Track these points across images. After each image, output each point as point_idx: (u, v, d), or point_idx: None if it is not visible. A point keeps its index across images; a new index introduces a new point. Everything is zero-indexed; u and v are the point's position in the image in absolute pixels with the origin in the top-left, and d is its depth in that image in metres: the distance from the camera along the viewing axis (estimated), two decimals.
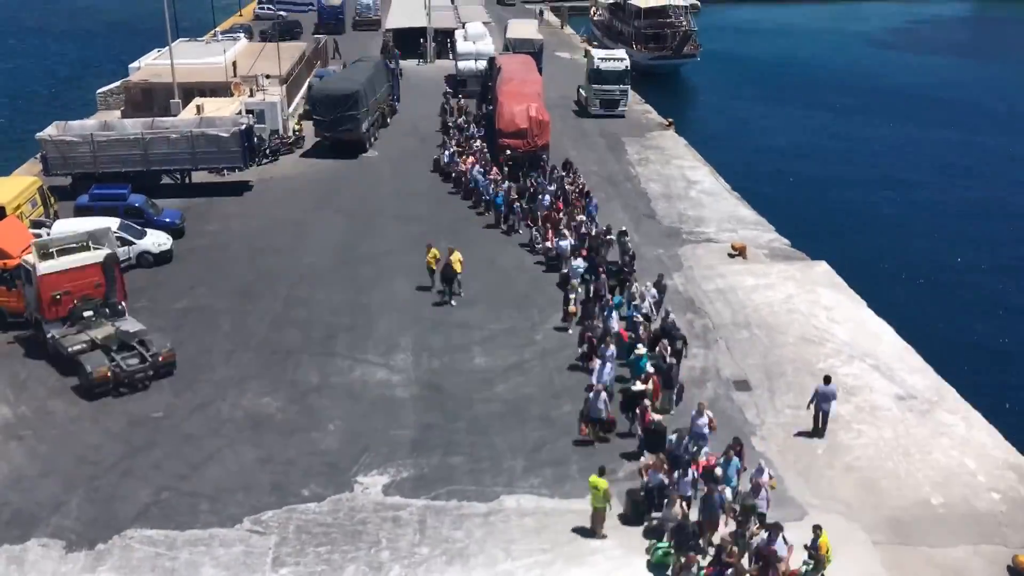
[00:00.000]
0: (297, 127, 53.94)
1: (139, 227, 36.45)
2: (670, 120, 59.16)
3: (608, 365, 25.76)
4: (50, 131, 42.57)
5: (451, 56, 71.26)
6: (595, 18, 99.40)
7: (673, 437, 22.85)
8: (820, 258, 37.08)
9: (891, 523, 21.25)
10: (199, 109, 48.47)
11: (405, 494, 22.31)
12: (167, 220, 38.59)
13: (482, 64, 65.27)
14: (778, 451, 23.98)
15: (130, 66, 60.42)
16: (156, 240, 36.33)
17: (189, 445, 24.24)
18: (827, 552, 18.88)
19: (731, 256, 37.23)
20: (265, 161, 48.66)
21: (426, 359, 29.06)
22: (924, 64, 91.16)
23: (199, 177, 44.93)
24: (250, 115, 48.01)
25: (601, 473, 20.82)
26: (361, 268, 35.99)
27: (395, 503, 21.95)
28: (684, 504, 20.49)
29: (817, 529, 19.18)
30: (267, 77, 54.63)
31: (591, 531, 20.85)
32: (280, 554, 20.13)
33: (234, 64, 56.60)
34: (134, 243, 35.28)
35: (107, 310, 28.82)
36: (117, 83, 59.52)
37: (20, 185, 37.07)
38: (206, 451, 23.98)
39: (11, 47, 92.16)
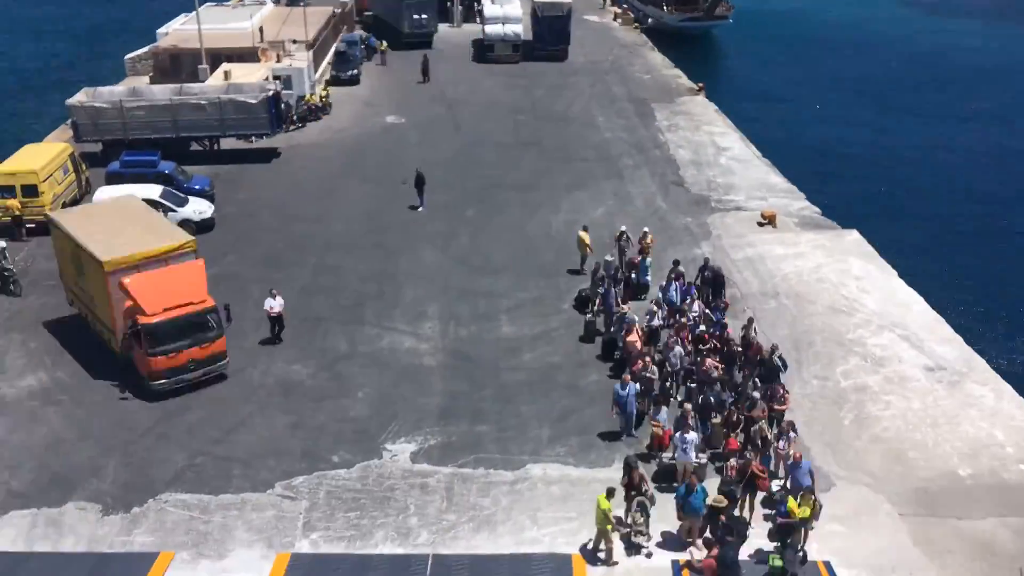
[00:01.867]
0: (324, 93, 53.88)
1: (181, 195, 36.71)
2: (700, 85, 58.40)
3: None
4: (80, 97, 42.89)
5: (478, 20, 70.63)
6: None
7: None
8: (851, 227, 36.72)
9: (918, 495, 21.24)
10: (227, 75, 48.57)
11: (433, 461, 22.60)
12: (196, 187, 38.86)
13: (511, 28, 64.76)
14: (804, 422, 23.90)
15: (158, 31, 60.49)
16: (197, 208, 36.56)
17: (221, 411, 24.65)
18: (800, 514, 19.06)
19: (760, 225, 36.94)
20: (292, 128, 48.71)
21: (453, 328, 29.23)
22: (967, 28, 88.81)
23: (228, 144, 45.14)
24: (277, 81, 48.04)
25: (609, 495, 19.14)
26: (388, 236, 36.13)
27: (423, 470, 22.24)
28: None
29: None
30: (294, 42, 54.53)
31: (594, 550, 19.49)
32: (311, 519, 20.52)
33: (261, 29, 56.51)
34: (175, 211, 35.53)
35: None
36: (145, 49, 59.63)
37: (52, 152, 37.45)
38: (238, 417, 24.38)
39: (39, 13, 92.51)
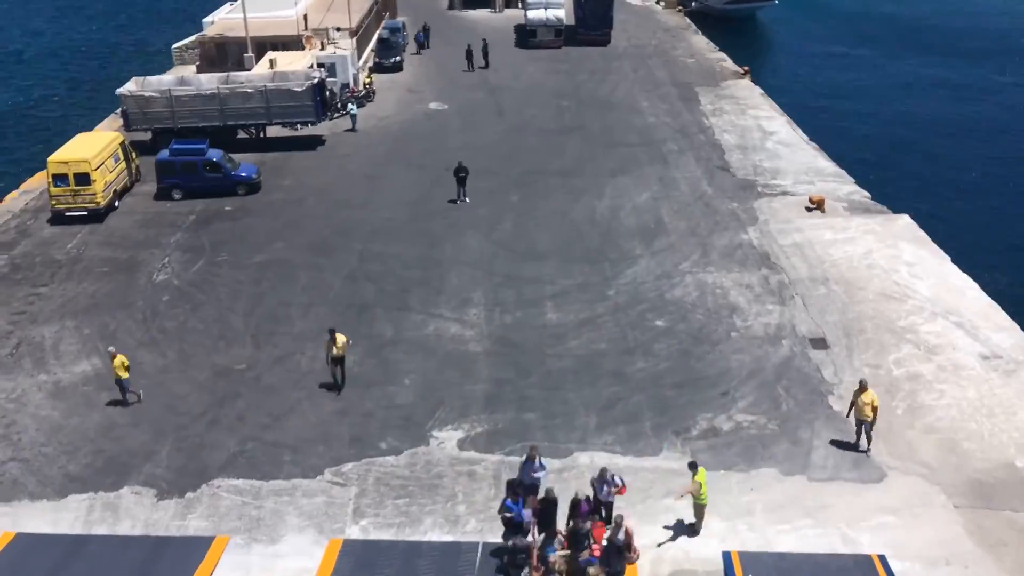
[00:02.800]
0: (368, 80, 54.07)
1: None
2: (746, 68, 57.56)
3: None
4: (129, 87, 43.51)
5: (520, 5, 70.33)
6: None
7: None
8: (902, 211, 36.00)
9: (973, 486, 20.82)
10: (272, 63, 48.93)
11: (480, 449, 22.66)
12: (243, 175, 39.31)
13: (553, 13, 64.37)
14: None
15: (204, 20, 61.15)
16: None
17: (271, 397, 24.96)
18: (703, 491, 19.17)
19: (808, 209, 36.37)
20: (336, 115, 48.96)
21: (498, 314, 29.24)
22: None
23: (273, 132, 45.53)
24: (322, 69, 48.30)
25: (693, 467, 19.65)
26: (433, 222, 36.21)
27: (470, 457, 22.32)
28: None
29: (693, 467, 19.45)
30: (338, 30, 54.74)
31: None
32: (360, 505, 20.71)
33: (305, 17, 56.78)
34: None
35: None
36: (192, 38, 60.29)
37: (103, 140, 38.07)
38: (287, 403, 24.67)
39: (86, 2, 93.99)
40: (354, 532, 19.79)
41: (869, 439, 21.81)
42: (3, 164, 50.86)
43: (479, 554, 17.79)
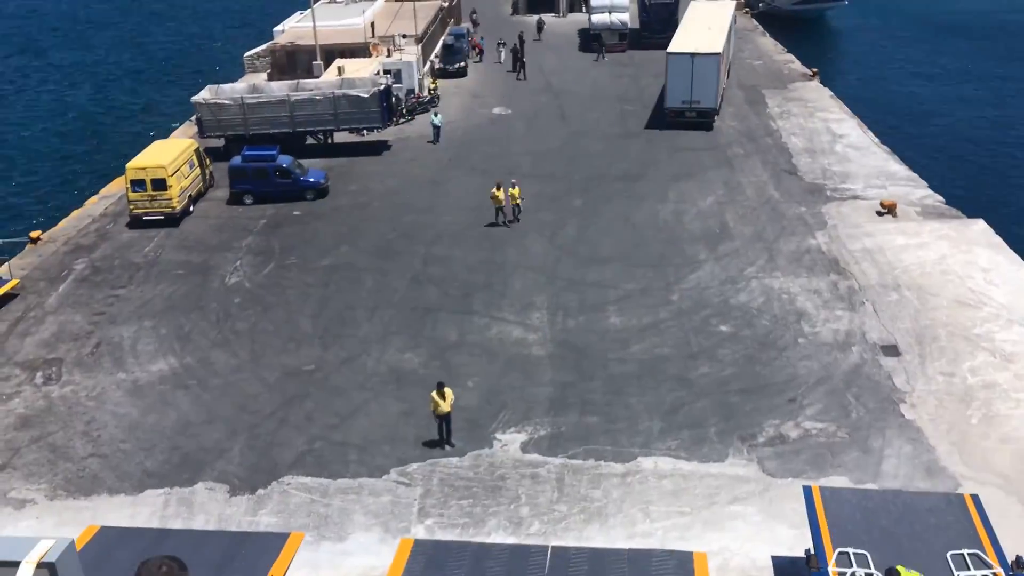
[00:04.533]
0: (433, 85, 54.68)
1: None
2: (814, 70, 56.66)
3: None
4: (204, 94, 44.75)
5: (584, 9, 70.32)
6: None
7: None
8: (977, 216, 35.03)
9: None
10: (340, 71, 49.82)
11: (543, 452, 22.76)
12: (312, 180, 40.13)
13: (618, 16, 64.23)
14: (929, 419, 23.08)
15: (275, 29, 62.57)
16: None
17: (338, 397, 25.43)
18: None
19: (879, 214, 35.65)
20: (402, 120, 49.64)
21: (561, 318, 29.32)
22: None
23: (340, 137, 46.35)
24: (388, 75, 49.01)
25: None
26: (495, 227, 36.43)
27: (533, 460, 22.43)
28: None
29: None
30: (403, 36, 55.51)
31: None
32: (425, 505, 20.98)
33: (372, 25, 57.72)
34: None
35: None
36: (263, 46, 61.76)
37: (180, 147, 39.25)
38: (354, 403, 25.11)
39: (161, 11, 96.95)
40: (419, 531, 20.05)
41: None
42: (84, 170, 52.77)
43: (548, 557, 17.87)
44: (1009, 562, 15.28)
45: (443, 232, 36.26)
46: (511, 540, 19.68)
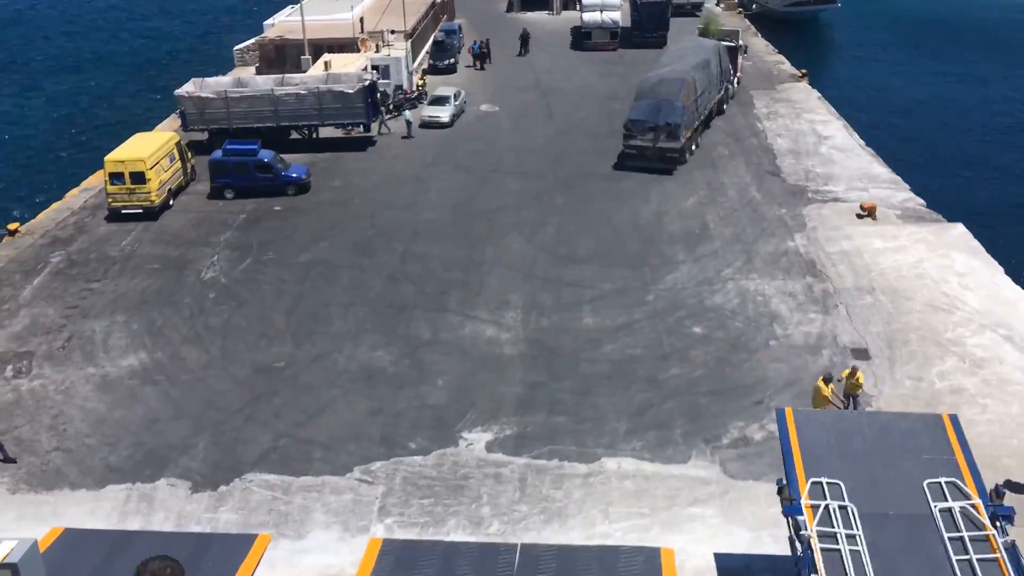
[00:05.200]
0: (420, 82, 54.58)
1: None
2: (804, 71, 56.61)
3: None
4: (188, 88, 44.67)
5: (578, 7, 70.19)
6: None
7: None
8: (958, 220, 35.00)
9: (1011, 503, 20.10)
10: (327, 65, 49.75)
11: (508, 452, 22.74)
12: (294, 175, 40.06)
13: (609, 15, 64.15)
14: None
15: (265, 23, 62.53)
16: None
17: (307, 394, 25.41)
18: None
19: (860, 217, 35.63)
20: (388, 117, 49.52)
21: (535, 317, 29.29)
22: None
23: (326, 132, 46.27)
24: (375, 71, 48.96)
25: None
26: (475, 224, 36.41)
27: (497, 460, 22.42)
28: None
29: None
30: (392, 32, 55.40)
31: None
32: (386, 504, 20.97)
33: (361, 20, 57.61)
34: None
35: None
36: (252, 40, 61.64)
37: (159, 140, 39.18)
38: (322, 401, 25.09)
39: (153, 4, 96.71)
40: (379, 530, 20.05)
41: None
42: (66, 162, 52.65)
43: (517, 555, 17.74)
44: (987, 490, 14.89)
45: (423, 229, 36.21)
46: (471, 539, 19.66)
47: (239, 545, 18.07)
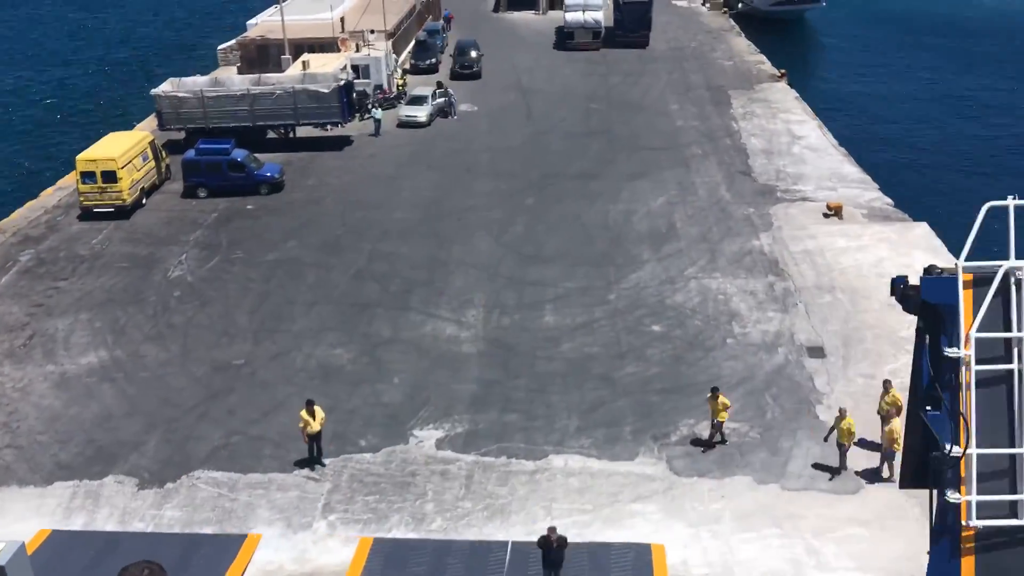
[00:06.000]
0: (401, 82, 54.72)
1: None
2: (783, 71, 56.72)
3: None
4: (164, 87, 44.86)
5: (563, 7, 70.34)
6: None
7: None
8: (924, 219, 35.11)
9: None
10: (305, 65, 49.90)
11: (457, 449, 22.89)
12: (267, 174, 40.23)
13: (591, 15, 64.30)
14: None
15: (248, 23, 62.64)
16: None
17: (263, 392, 25.56)
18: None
19: (826, 216, 35.76)
20: (367, 116, 49.66)
21: (496, 316, 29.43)
22: None
23: (303, 132, 46.42)
24: (354, 71, 49.18)
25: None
26: (445, 224, 36.56)
27: (446, 457, 22.56)
28: None
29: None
30: (372, 32, 55.55)
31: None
32: (331, 501, 21.10)
33: (342, 20, 57.76)
34: None
35: None
36: (235, 40, 61.75)
37: (132, 140, 39.34)
38: (277, 398, 25.23)
39: (141, 3, 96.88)
40: (321, 527, 20.19)
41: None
42: (44, 161, 52.74)
43: (508, 552, 17.93)
44: None
45: (392, 229, 36.35)
46: (411, 536, 19.83)
47: (228, 545, 18.24)
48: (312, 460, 22.24)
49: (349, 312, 29.99)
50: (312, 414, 21.82)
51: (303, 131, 46.34)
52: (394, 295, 31.05)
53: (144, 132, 42.11)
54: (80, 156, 37.56)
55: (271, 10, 63.81)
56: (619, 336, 28.02)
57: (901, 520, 19.81)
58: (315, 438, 22.07)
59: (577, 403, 24.67)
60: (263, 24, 60.22)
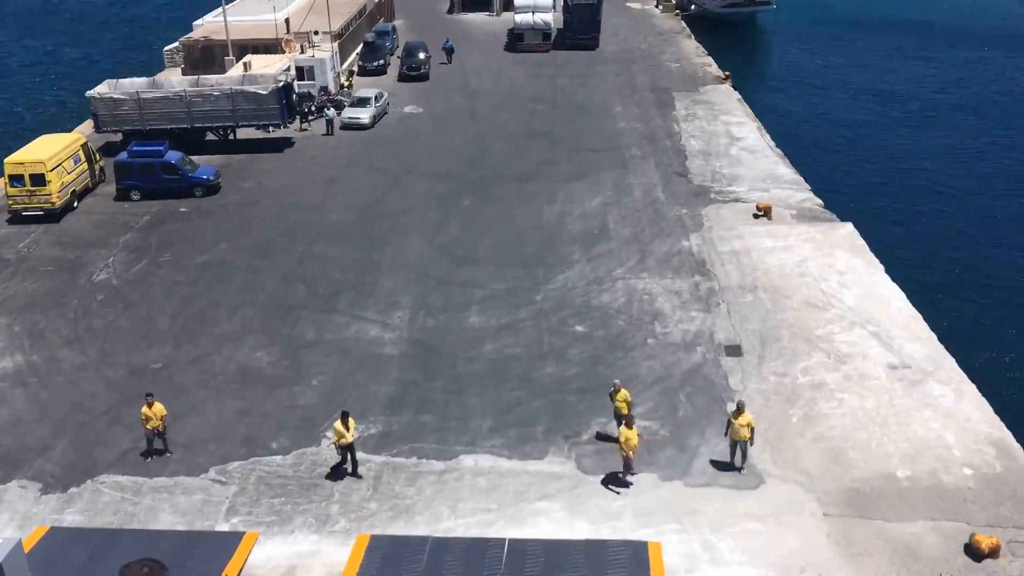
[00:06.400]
0: (346, 83, 54.60)
1: None
2: (727, 73, 57.24)
3: None
4: (100, 89, 44.40)
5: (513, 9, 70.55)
6: None
7: None
8: (851, 220, 35.58)
9: (849, 495, 20.63)
10: (246, 66, 49.64)
11: (368, 450, 22.86)
12: (202, 176, 39.96)
13: (541, 17, 64.57)
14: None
15: (194, 24, 62.19)
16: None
17: (178, 396, 25.35)
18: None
19: (756, 216, 36.13)
20: (312, 118, 49.54)
21: (421, 318, 29.45)
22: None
23: (245, 133, 46.17)
24: (298, 72, 49.05)
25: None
26: (379, 225, 36.52)
27: (357, 458, 22.48)
28: None
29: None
30: (316, 33, 55.37)
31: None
32: (235, 504, 21.00)
33: (287, 21, 57.52)
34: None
35: None
36: (179, 41, 61.26)
37: (63, 142, 38.89)
38: (192, 402, 25.08)
39: (88, 6, 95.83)
40: (223, 529, 20.06)
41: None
42: None
43: (505, 550, 17.70)
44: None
45: (326, 231, 36.26)
46: (313, 537, 19.81)
47: (227, 543, 18.05)
48: (352, 471, 21.99)
49: (274, 315, 29.87)
50: (347, 426, 21.41)
51: (244, 133, 46.16)
52: (321, 297, 30.97)
53: (77, 134, 41.65)
54: (8, 159, 37.10)
55: (217, 11, 63.43)
56: (542, 337, 28.14)
57: (797, 515, 20.12)
58: (349, 449, 21.73)
59: (493, 404, 24.75)
60: (207, 25, 59.87)
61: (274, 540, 19.85)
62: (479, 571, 17.07)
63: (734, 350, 26.90)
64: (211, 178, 40.09)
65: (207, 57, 56.42)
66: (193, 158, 41.14)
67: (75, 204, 38.44)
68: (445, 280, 31.96)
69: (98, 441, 23.31)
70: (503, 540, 18.05)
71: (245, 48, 54.28)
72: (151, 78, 47.83)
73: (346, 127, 48.37)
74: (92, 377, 26.31)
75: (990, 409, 23.41)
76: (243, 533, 18.39)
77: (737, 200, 38.08)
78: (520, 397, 25.05)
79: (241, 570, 16.98)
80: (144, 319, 29.58)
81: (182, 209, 38.52)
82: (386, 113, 50.37)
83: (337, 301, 30.69)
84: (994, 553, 18.76)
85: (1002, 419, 23.15)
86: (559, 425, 23.68)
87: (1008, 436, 22.44)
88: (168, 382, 26.10)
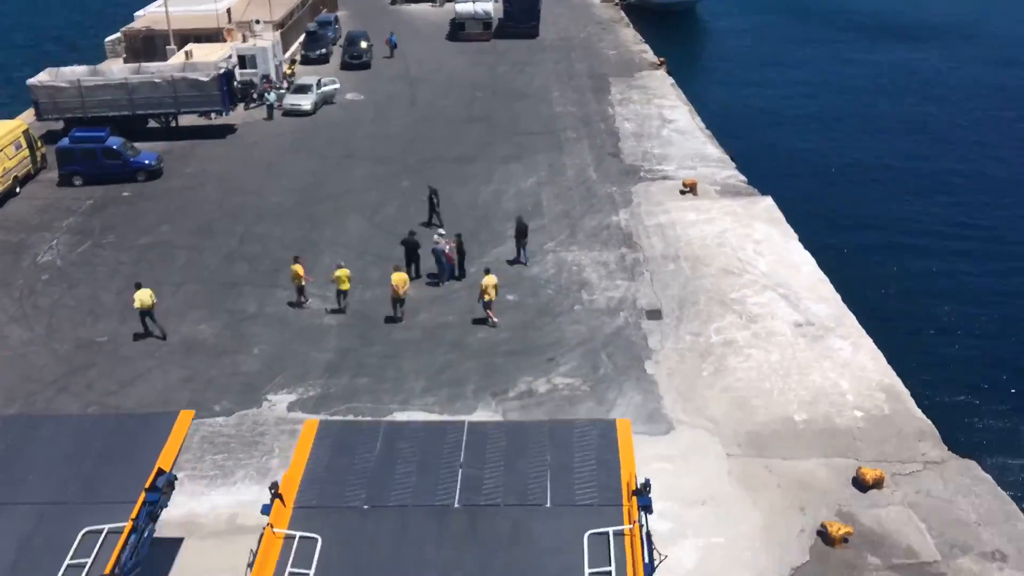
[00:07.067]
0: (288, 72, 55.43)
1: None
2: (662, 59, 59.15)
3: None
4: (41, 77, 44.78)
5: None
6: None
7: None
8: (772, 194, 37.56)
9: (750, 437, 22.47)
10: (188, 55, 50.26)
11: (307, 410, 24.15)
12: (145, 162, 40.68)
13: (481, 6, 65.87)
14: (667, 374, 25.24)
15: (135, 14, 62.35)
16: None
17: (123, 366, 26.38)
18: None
19: (682, 193, 37.97)
20: (253, 105, 50.36)
21: (360, 291, 30.70)
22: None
23: (187, 120, 46.86)
24: (240, 61, 49.78)
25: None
26: (320, 206, 37.65)
27: (295, 418, 23.79)
28: None
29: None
30: (257, 23, 56.08)
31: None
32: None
33: (228, 11, 58.12)
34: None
35: None
36: (120, 31, 61.42)
37: (4, 128, 39.34)
38: (137, 371, 26.11)
39: None
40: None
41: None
42: None
43: (464, 433, 16.58)
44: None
45: (267, 212, 37.29)
46: (255, 488, 21.07)
47: (159, 425, 17.20)
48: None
49: (217, 291, 30.92)
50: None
51: (186, 120, 46.85)
52: (263, 274, 32.08)
53: (18, 121, 42.04)
54: None
55: (159, 1, 63.68)
56: (475, 306, 29.56)
57: (703, 456, 21.89)
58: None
59: (427, 367, 26.17)
60: (149, 15, 60.16)
61: (217, 491, 21.09)
62: (438, 456, 15.83)
63: (655, 314, 28.63)
64: (153, 163, 40.83)
65: (148, 47, 56.76)
66: (135, 144, 41.78)
67: (17, 190, 38.95)
68: (383, 256, 33.20)
69: (46, 409, 24.22)
70: (462, 422, 16.95)
71: (187, 38, 54.76)
72: (93, 66, 48.22)
73: (288, 113, 49.28)
74: (40, 351, 27.19)
75: (884, 360, 25.44)
76: (177, 412, 17.65)
77: (665, 178, 39.89)
78: (452, 360, 26.50)
79: (178, 452, 16.33)
80: (89, 297, 30.45)
81: (125, 193, 39.25)
82: (333, 100, 51.31)
83: (278, 277, 31.80)
84: (878, 484, 20.69)
85: (895, 369, 25.18)
86: (488, 384, 25.19)
87: (898, 383, 24.48)
88: (114, 354, 27.08)
